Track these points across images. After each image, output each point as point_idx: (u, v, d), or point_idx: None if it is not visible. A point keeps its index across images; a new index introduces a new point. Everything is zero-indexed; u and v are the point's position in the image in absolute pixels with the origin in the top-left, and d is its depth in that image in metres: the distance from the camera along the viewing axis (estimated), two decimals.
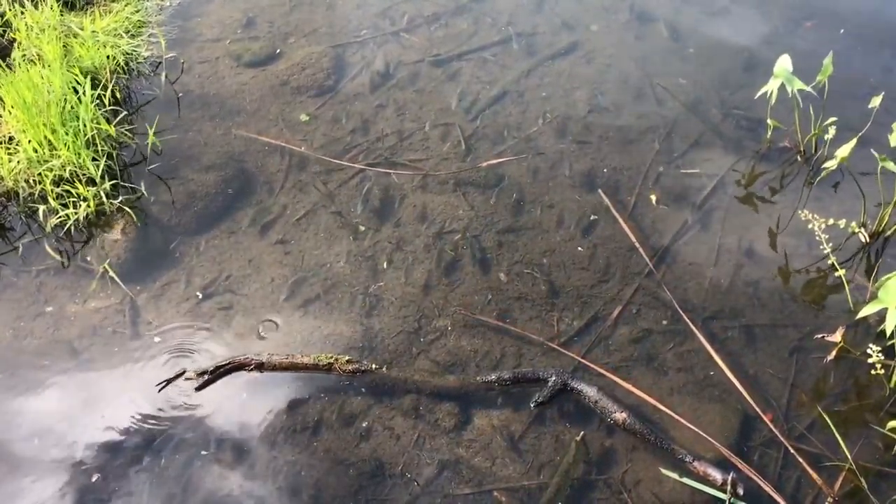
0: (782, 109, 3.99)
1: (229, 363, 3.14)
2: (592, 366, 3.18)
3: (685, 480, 2.85)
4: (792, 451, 2.92)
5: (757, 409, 3.04)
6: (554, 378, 3.08)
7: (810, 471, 2.87)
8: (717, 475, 2.83)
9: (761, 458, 2.92)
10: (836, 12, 4.83)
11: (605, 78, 4.51)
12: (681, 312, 3.35)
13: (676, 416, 3.01)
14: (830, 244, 3.37)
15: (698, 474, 2.87)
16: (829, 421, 2.96)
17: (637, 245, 3.61)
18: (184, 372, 3.13)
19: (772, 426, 2.99)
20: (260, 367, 3.15)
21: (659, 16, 4.90)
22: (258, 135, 4.16)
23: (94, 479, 2.87)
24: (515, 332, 3.31)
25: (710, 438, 2.94)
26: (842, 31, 4.70)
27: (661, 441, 2.94)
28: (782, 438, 2.95)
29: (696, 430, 2.96)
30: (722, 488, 2.80)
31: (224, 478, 2.89)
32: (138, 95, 4.39)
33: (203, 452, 2.95)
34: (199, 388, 3.11)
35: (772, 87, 3.79)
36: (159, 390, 3.09)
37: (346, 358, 3.16)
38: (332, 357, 3.16)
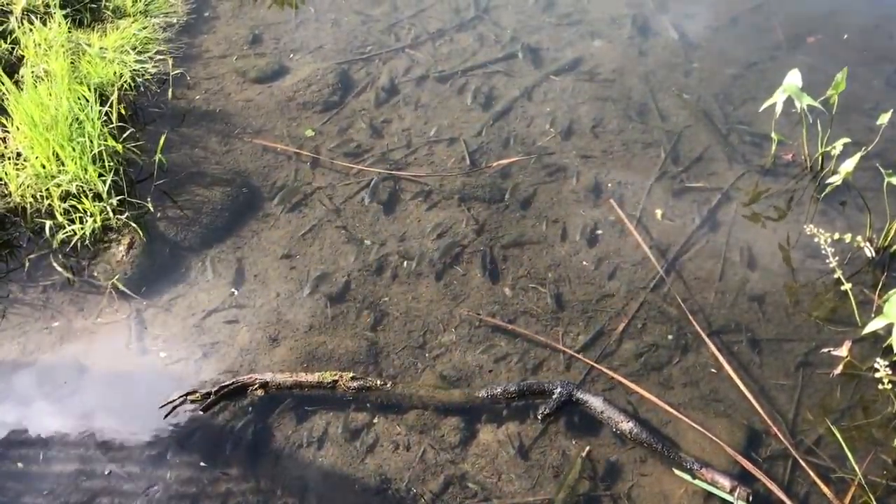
0: (786, 124, 3.99)
1: (233, 383, 3.13)
2: (608, 371, 3.18)
3: (697, 482, 2.84)
4: (802, 462, 2.90)
5: (768, 421, 3.02)
6: (560, 389, 3.07)
7: (820, 484, 2.85)
8: (725, 482, 2.82)
9: (768, 473, 2.89)
10: (838, 27, 4.86)
11: (608, 92, 4.52)
12: (694, 324, 3.34)
13: (687, 420, 3.00)
14: (836, 258, 3.36)
15: (706, 481, 2.85)
16: (837, 435, 2.94)
17: (649, 254, 3.61)
18: (188, 394, 3.11)
19: (781, 437, 2.97)
20: (264, 386, 3.13)
21: (662, 30, 4.92)
22: (263, 140, 4.18)
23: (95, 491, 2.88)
24: (525, 337, 3.31)
25: (721, 443, 2.93)
26: (845, 35, 4.71)
27: (667, 450, 2.93)
28: (791, 449, 2.94)
29: (705, 432, 2.95)
30: (731, 493, 2.79)
31: (228, 493, 2.88)
32: (145, 112, 4.42)
33: (202, 464, 2.96)
34: (204, 410, 3.10)
35: (776, 100, 3.78)
36: (165, 416, 3.08)
37: (351, 375, 3.15)
38: (336, 374, 3.15)
